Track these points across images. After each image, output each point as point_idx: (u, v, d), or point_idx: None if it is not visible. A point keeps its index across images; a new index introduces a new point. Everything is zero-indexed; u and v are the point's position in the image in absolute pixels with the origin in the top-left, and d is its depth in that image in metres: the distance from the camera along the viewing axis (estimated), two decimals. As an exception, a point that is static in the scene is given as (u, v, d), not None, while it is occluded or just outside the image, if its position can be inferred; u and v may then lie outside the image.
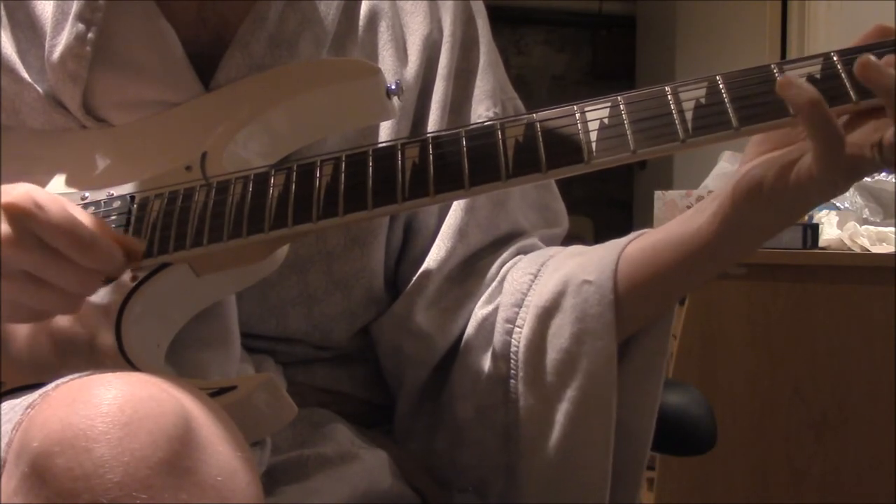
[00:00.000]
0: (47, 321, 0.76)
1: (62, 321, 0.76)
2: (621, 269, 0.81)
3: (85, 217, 0.71)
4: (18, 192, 0.69)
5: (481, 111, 0.92)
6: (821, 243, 1.93)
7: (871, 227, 1.92)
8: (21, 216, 0.68)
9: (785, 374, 1.86)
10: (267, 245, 0.77)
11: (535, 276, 0.86)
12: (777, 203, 0.71)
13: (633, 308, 0.81)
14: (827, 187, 0.68)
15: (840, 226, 1.96)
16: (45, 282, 0.69)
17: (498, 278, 0.89)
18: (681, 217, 0.80)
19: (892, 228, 1.90)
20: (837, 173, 0.66)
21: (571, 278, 0.82)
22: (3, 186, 0.70)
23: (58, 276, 0.69)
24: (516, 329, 0.84)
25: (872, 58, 0.63)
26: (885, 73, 0.63)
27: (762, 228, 0.74)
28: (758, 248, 0.78)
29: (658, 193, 2.04)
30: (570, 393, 0.81)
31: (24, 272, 0.69)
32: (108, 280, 0.75)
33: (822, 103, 0.64)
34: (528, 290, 0.85)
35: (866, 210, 2.03)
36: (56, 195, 0.71)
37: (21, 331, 0.77)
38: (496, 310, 0.86)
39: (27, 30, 0.88)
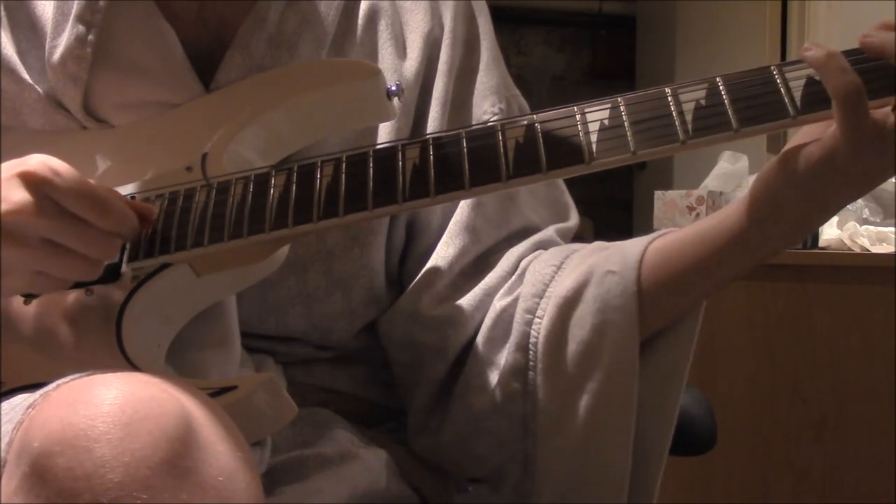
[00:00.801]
0: (42, 338, 0.77)
1: (56, 338, 0.77)
2: (646, 261, 0.80)
3: (96, 185, 0.73)
4: (34, 161, 0.70)
5: (486, 107, 0.91)
6: (821, 243, 1.93)
7: (871, 227, 1.92)
8: (39, 183, 0.69)
9: (785, 374, 1.86)
10: (267, 245, 0.77)
11: (558, 268, 0.85)
12: (801, 178, 0.69)
13: (657, 301, 0.79)
14: (853, 158, 0.66)
15: (840, 226, 1.96)
16: (65, 248, 0.71)
17: (518, 271, 0.88)
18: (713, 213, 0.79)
19: (892, 228, 1.90)
20: (859, 136, 0.65)
21: (595, 269, 0.81)
22: (19, 159, 0.71)
23: (78, 241, 0.71)
24: (536, 320, 0.83)
25: (868, 31, 0.65)
26: (883, 35, 0.65)
27: (789, 213, 0.72)
28: (788, 242, 0.75)
29: (658, 193, 2.04)
30: (590, 385, 0.80)
31: (45, 240, 0.70)
32: (109, 276, 0.75)
33: (839, 55, 0.64)
34: (551, 281, 0.84)
35: (866, 210, 2.04)
36: (68, 165, 0.72)
37: (27, 314, 0.77)
38: (515, 301, 0.85)
39: (27, 31, 0.88)
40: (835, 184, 0.69)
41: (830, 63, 0.64)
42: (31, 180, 0.69)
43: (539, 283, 0.85)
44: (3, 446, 0.59)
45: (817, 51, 0.65)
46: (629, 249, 0.81)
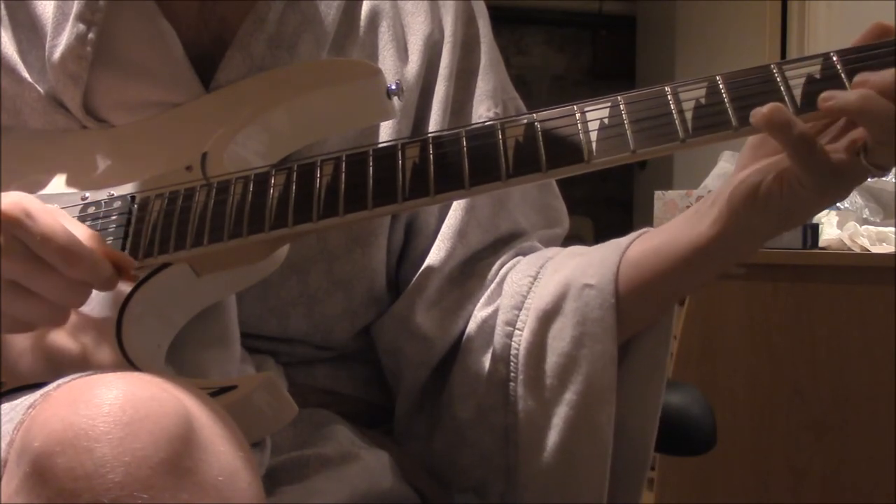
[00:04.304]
0: (42, 339, 0.76)
1: (56, 339, 0.76)
2: (622, 273, 0.81)
3: (78, 229, 0.71)
4: (9, 200, 0.68)
5: (482, 111, 0.92)
6: (821, 243, 1.93)
7: (871, 227, 1.92)
8: (9, 224, 0.67)
9: (785, 374, 1.86)
10: (267, 245, 0.77)
11: (535, 279, 0.86)
12: (774, 208, 0.71)
13: (634, 310, 0.81)
14: (817, 191, 0.68)
15: (840, 226, 1.96)
16: (31, 292, 0.69)
17: (497, 279, 0.89)
18: (681, 219, 0.79)
19: (892, 228, 1.90)
20: (820, 177, 0.66)
21: (572, 281, 0.82)
22: None
23: (44, 287, 0.69)
24: (516, 332, 0.84)
25: (826, 93, 0.64)
26: (843, 97, 0.64)
27: (763, 233, 0.74)
28: (758, 249, 0.78)
29: (658, 193, 2.04)
30: (569, 396, 0.81)
31: (11, 281, 0.68)
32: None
33: (781, 110, 0.64)
34: (528, 292, 0.85)
35: (866, 210, 2.03)
36: (49, 205, 0.70)
37: (16, 344, 0.76)
38: (496, 312, 0.86)
39: (28, 30, 0.88)
40: (808, 209, 0.71)
41: (774, 117, 0.64)
42: (1, 220, 0.67)
43: (517, 294, 0.85)
44: (3, 446, 0.59)
45: (756, 111, 0.65)
46: (606, 261, 0.82)
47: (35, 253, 0.68)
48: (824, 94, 0.64)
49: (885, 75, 0.63)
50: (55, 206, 0.71)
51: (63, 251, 0.68)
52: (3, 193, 0.69)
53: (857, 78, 0.64)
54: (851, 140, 0.66)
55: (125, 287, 0.76)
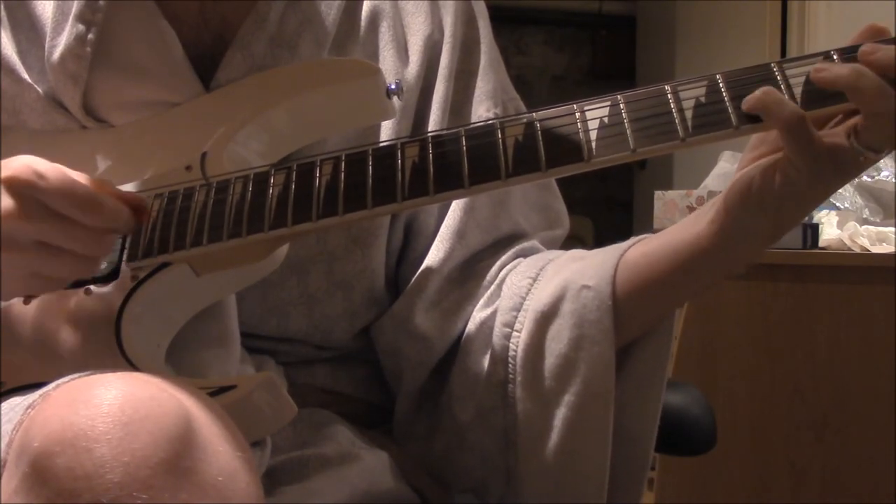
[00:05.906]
0: (42, 336, 0.76)
1: (56, 336, 0.77)
2: (620, 275, 0.80)
3: (85, 180, 0.72)
4: (18, 164, 0.70)
5: (482, 112, 0.91)
6: (821, 243, 1.93)
7: (871, 227, 1.92)
8: (24, 187, 0.69)
9: (785, 374, 1.86)
10: (267, 244, 0.77)
11: (534, 281, 0.85)
12: (768, 203, 0.70)
13: (632, 313, 0.80)
14: (813, 181, 0.67)
15: (840, 226, 1.96)
16: (58, 248, 0.70)
17: (497, 281, 0.88)
18: (681, 222, 0.79)
19: (892, 228, 1.90)
20: (816, 162, 0.66)
21: (570, 283, 0.82)
22: (3, 161, 0.71)
23: (70, 240, 0.70)
24: (514, 333, 0.84)
25: (820, 64, 0.64)
26: (835, 70, 0.64)
27: (759, 233, 0.74)
28: (758, 256, 0.77)
29: (658, 193, 2.04)
30: (567, 398, 0.81)
31: (37, 242, 0.70)
32: (108, 276, 0.75)
33: (771, 91, 0.64)
34: (527, 294, 0.85)
35: (866, 210, 2.03)
36: (54, 163, 0.71)
37: (26, 315, 0.77)
38: (495, 313, 0.86)
39: (27, 30, 0.88)
40: (802, 203, 0.71)
41: (766, 99, 0.64)
42: (14, 185, 0.69)
43: (516, 296, 0.85)
44: (3, 446, 0.59)
45: (749, 97, 0.65)
46: (604, 263, 0.82)
47: (55, 210, 0.69)
48: (818, 66, 0.64)
49: (890, 50, 0.63)
50: (59, 165, 0.71)
51: (80, 203, 0.70)
52: (9, 159, 0.71)
53: (866, 47, 0.64)
54: (847, 125, 0.66)
55: (123, 288, 0.76)
